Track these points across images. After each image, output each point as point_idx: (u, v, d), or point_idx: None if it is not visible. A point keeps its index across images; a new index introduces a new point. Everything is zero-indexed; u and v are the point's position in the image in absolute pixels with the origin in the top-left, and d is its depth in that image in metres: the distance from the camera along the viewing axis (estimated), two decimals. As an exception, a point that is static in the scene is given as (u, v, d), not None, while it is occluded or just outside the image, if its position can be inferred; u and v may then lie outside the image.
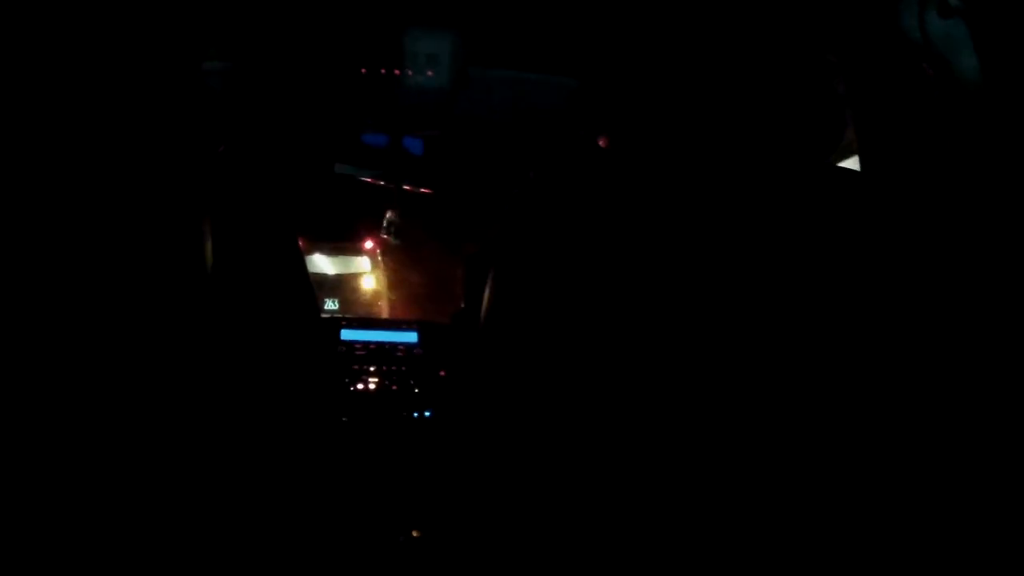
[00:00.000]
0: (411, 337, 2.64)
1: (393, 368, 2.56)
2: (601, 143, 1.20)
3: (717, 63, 1.12)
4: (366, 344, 2.60)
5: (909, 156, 1.63)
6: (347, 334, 2.61)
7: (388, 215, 2.78)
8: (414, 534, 2.15)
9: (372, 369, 2.54)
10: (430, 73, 2.24)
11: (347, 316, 3.00)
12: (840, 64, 1.74)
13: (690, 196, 1.08)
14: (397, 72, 2.24)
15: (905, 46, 1.60)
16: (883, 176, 1.68)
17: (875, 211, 1.10)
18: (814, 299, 1.03)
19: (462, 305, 2.51)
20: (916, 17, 1.57)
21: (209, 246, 1.15)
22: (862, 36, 1.69)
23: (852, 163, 1.85)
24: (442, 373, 2.56)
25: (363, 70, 2.24)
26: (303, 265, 1.74)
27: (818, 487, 1.01)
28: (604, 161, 1.17)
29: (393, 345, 2.61)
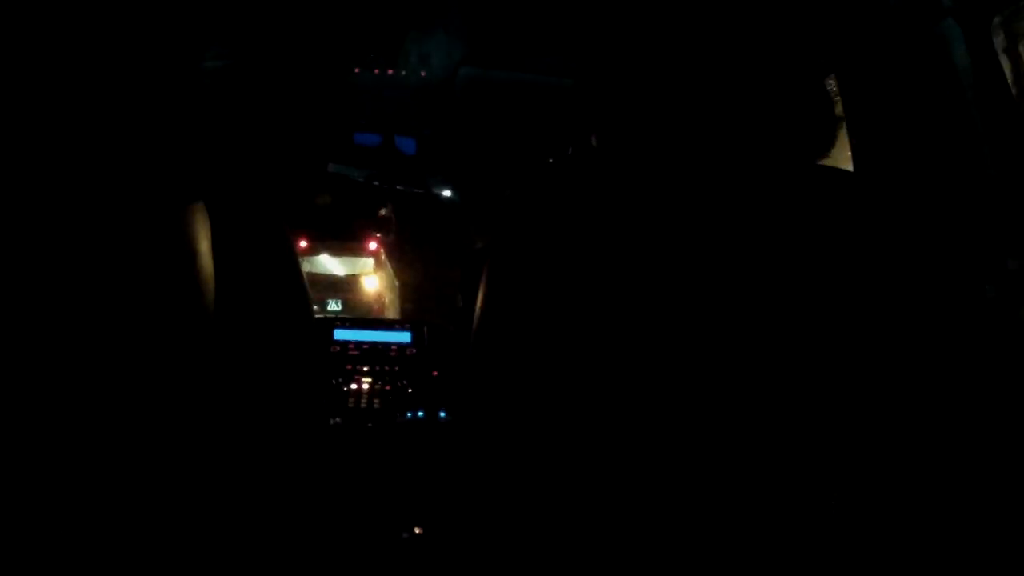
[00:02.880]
0: (404, 337, 2.64)
1: (386, 368, 2.55)
2: (592, 141, 1.20)
3: (711, 63, 1.12)
4: (359, 344, 2.60)
5: (902, 157, 1.63)
6: (340, 334, 2.61)
7: (381, 212, 2.79)
8: (416, 531, 2.15)
9: (365, 369, 2.54)
10: (423, 73, 2.24)
11: (340, 316, 3.01)
12: (835, 67, 1.74)
13: (682, 196, 1.07)
14: (391, 71, 2.24)
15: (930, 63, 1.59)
16: (876, 176, 1.68)
17: (867, 211, 1.10)
18: (806, 299, 1.03)
19: (459, 304, 2.51)
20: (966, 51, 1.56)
21: (207, 245, 1.15)
22: (858, 39, 1.69)
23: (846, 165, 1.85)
24: (435, 373, 2.56)
25: (356, 69, 2.24)
26: (297, 264, 1.74)
27: (816, 487, 1.01)
28: (597, 160, 1.17)
29: (386, 345, 2.61)
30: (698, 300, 1.02)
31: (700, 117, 1.09)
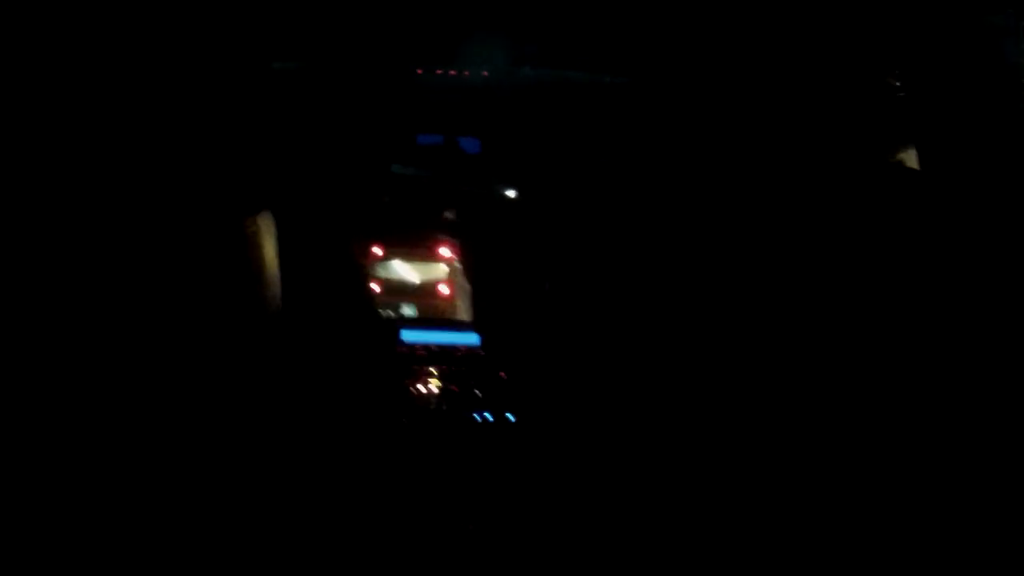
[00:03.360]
0: (472, 339, 2.65)
1: (454, 369, 2.57)
2: (657, 141, 1.20)
3: (779, 66, 1.11)
4: (427, 345, 2.62)
5: (964, 152, 1.60)
6: (408, 335, 2.63)
7: (447, 215, 2.80)
8: (470, 527, 2.16)
9: (433, 370, 2.56)
10: (485, 74, 2.25)
11: (408, 317, 3.03)
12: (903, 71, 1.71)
13: (755, 193, 1.07)
14: (452, 72, 2.26)
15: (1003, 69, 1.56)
16: (941, 173, 1.64)
17: (931, 208, 1.09)
18: (871, 289, 1.03)
19: (525, 306, 2.51)
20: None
21: (272, 250, 1.18)
22: (919, 35, 1.66)
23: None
24: (502, 374, 2.56)
25: (419, 71, 2.26)
26: (360, 268, 1.76)
27: (823, 488, 0.99)
28: (661, 162, 1.17)
29: (454, 346, 2.62)
30: (770, 289, 1.02)
31: (770, 117, 1.09)
